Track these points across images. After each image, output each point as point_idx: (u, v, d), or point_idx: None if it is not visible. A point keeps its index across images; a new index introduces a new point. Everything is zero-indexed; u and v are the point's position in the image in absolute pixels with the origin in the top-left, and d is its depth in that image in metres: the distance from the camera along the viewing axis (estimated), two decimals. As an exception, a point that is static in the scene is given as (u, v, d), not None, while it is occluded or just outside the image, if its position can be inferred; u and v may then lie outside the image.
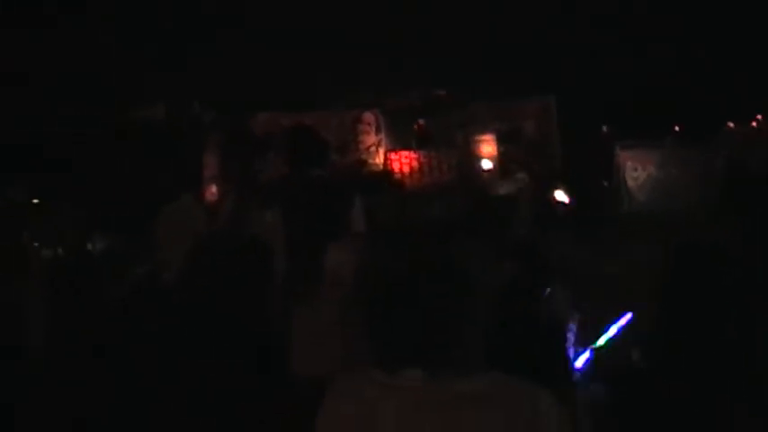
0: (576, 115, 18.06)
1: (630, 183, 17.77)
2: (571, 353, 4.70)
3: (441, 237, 2.46)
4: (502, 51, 16.50)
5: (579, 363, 4.74)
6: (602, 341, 4.89)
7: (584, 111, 18.40)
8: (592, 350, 4.86)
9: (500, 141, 18.16)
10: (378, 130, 18.37)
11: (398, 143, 18.59)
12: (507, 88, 17.53)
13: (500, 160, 18.01)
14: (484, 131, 18.18)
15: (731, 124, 20.82)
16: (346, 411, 2.35)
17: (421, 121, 18.54)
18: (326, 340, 4.05)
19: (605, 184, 17.69)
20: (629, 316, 4.87)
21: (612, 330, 4.91)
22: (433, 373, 2.27)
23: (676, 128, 20.42)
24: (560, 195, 14.01)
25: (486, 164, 17.59)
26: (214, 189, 5.38)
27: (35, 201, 12.41)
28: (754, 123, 21.71)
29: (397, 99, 18.18)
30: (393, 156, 18.39)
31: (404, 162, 18.34)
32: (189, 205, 5.48)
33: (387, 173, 17.85)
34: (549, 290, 4.67)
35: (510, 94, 17.93)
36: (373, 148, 18.43)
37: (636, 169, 17.79)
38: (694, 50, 18.49)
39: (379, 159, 18.39)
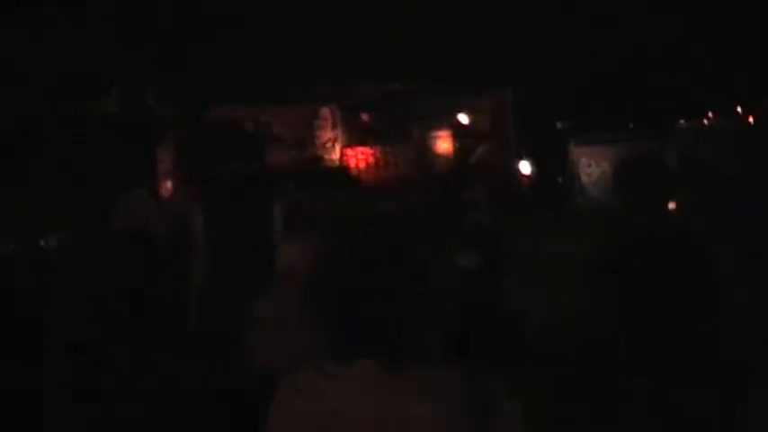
0: (530, 111, 18.19)
1: (584, 178, 17.93)
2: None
3: (394, 229, 2.47)
4: (458, 47, 16.53)
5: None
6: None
7: (539, 107, 18.53)
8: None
9: (455, 136, 18.22)
10: (334, 126, 18.36)
11: (355, 139, 18.59)
12: (463, 84, 17.58)
13: (456, 153, 18.09)
14: (440, 127, 18.24)
15: (683, 121, 21.08)
16: (299, 405, 2.36)
17: (365, 116, 18.52)
18: (282, 334, 4.05)
19: (559, 179, 17.84)
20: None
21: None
22: (386, 364, 2.29)
23: (630, 124, 20.63)
24: (524, 167, 14.09)
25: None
26: (169, 184, 5.36)
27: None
28: (705, 120, 22.00)
29: (353, 94, 18.17)
30: (349, 151, 18.38)
31: (360, 158, 18.34)
32: (143, 199, 5.45)
33: (343, 168, 17.85)
34: (510, 279, 4.72)
35: (466, 90, 17.99)
36: (330, 144, 18.40)
37: (590, 165, 17.96)
38: (649, 49, 18.68)
39: (336, 155, 18.38)
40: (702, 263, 4.19)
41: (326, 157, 18.21)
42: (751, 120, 22.70)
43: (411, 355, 2.31)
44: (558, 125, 20.12)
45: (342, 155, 18.36)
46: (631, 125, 20.46)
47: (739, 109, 22.94)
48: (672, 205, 4.42)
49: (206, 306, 4.95)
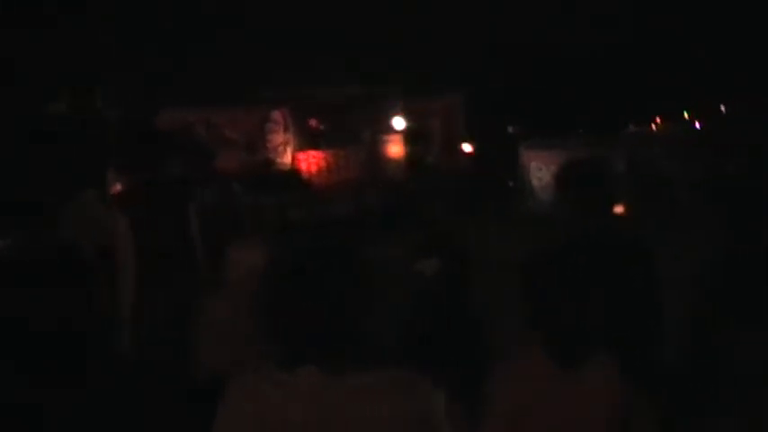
0: (482, 115, 18.29)
1: (535, 182, 18.05)
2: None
3: (337, 234, 2.49)
4: (410, 50, 16.59)
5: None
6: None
7: (491, 111, 18.64)
8: None
9: (407, 140, 18.27)
10: (286, 129, 18.30)
11: (307, 142, 18.55)
12: (415, 87, 17.63)
13: (407, 158, 18.15)
14: (391, 130, 18.27)
15: (632, 126, 21.34)
16: (246, 409, 2.36)
17: (313, 120, 18.50)
18: (231, 339, 4.04)
19: (510, 183, 17.95)
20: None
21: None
22: (329, 370, 2.29)
23: (580, 129, 20.83)
24: (466, 147, 14.12)
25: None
26: (119, 187, 5.31)
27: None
28: (653, 125, 22.29)
29: (305, 98, 18.13)
30: (301, 155, 18.34)
31: (311, 161, 18.31)
32: (93, 203, 5.39)
33: (295, 172, 17.80)
34: (464, 282, 4.74)
35: (418, 94, 18.05)
36: (281, 148, 18.34)
37: (540, 169, 18.08)
38: (599, 55, 18.87)
39: (288, 159, 18.33)
40: (646, 265, 4.24)
41: (278, 160, 18.14)
42: (697, 125, 23.06)
43: (354, 359, 2.32)
44: (510, 129, 20.26)
45: (293, 158, 18.31)
46: (581, 130, 20.67)
47: (686, 114, 23.29)
48: (618, 208, 4.46)
49: (149, 312, 4.90)
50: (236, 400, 2.39)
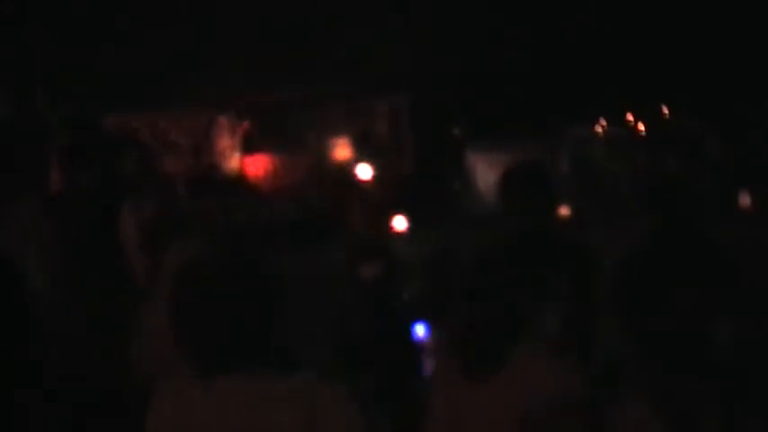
0: (427, 117, 18.34)
1: (480, 184, 18.16)
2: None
3: (260, 240, 2.48)
4: (355, 52, 16.58)
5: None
6: None
7: (436, 112, 18.69)
8: None
9: (352, 143, 18.27)
10: (232, 133, 18.21)
11: (253, 146, 18.48)
12: (359, 89, 17.63)
13: (354, 161, 18.14)
14: (337, 134, 18.26)
15: (576, 128, 21.55)
16: (167, 415, 2.35)
17: (245, 124, 18.44)
18: (159, 344, 4.01)
19: (456, 184, 18.04)
20: None
21: None
22: (245, 375, 2.28)
23: (525, 131, 20.96)
24: (362, 170, 14.12)
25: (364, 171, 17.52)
26: (58, 194, 5.23)
27: None
28: (597, 128, 22.53)
29: (251, 101, 18.06)
30: (247, 159, 18.27)
31: (258, 165, 18.25)
32: (33, 207, 5.31)
33: (240, 176, 17.73)
34: (405, 289, 4.76)
35: (363, 96, 18.05)
36: (227, 152, 18.26)
37: (486, 171, 18.20)
38: (543, 56, 19.02)
39: (233, 163, 18.24)
40: (588, 264, 4.29)
41: (224, 164, 18.05)
42: (641, 127, 23.36)
43: (270, 365, 2.31)
44: (455, 131, 20.33)
45: (239, 162, 18.23)
46: (526, 131, 20.80)
47: (629, 116, 23.57)
48: (562, 209, 4.51)
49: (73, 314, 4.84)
50: (160, 406, 2.38)
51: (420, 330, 4.68)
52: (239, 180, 17.26)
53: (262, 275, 2.36)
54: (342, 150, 18.24)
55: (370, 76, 17.04)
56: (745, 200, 12.29)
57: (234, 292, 2.31)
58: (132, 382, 3.91)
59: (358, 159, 18.14)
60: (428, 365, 4.63)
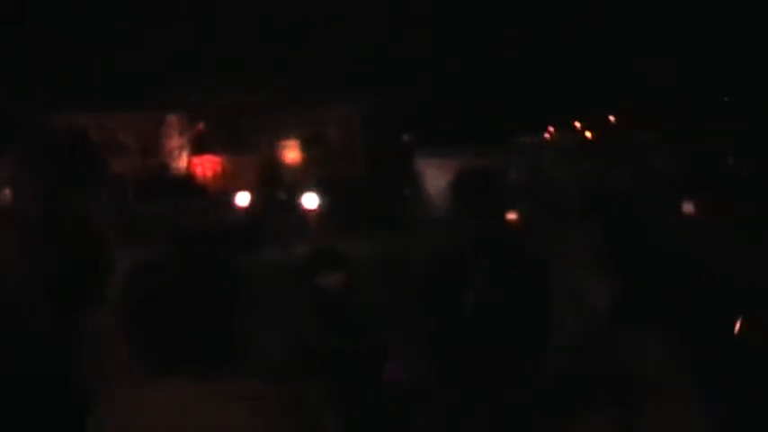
0: (379, 123, 18.40)
1: (430, 190, 18.23)
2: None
3: (217, 242, 2.49)
4: (309, 59, 16.58)
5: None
6: None
7: (387, 119, 18.75)
8: None
9: (303, 147, 18.28)
10: (181, 134, 18.12)
11: (202, 147, 18.40)
12: (313, 95, 17.64)
13: (303, 166, 18.16)
14: (288, 137, 18.25)
15: (526, 135, 21.75)
16: (116, 421, 2.34)
17: (200, 125, 18.36)
18: (107, 347, 3.97)
19: (406, 191, 18.08)
20: None
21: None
22: (198, 377, 2.28)
23: (476, 138, 21.09)
24: (309, 200, 14.13)
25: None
26: (7, 192, 5.17)
27: None
28: (546, 135, 22.77)
29: (202, 102, 17.98)
30: (196, 160, 18.17)
31: (207, 166, 18.16)
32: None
33: (189, 176, 17.63)
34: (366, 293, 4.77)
35: (315, 101, 18.06)
36: (176, 152, 18.16)
37: (436, 177, 18.29)
38: (494, 66, 19.17)
39: (182, 163, 18.14)
40: (537, 272, 4.35)
41: (173, 165, 17.94)
42: (588, 134, 23.64)
43: (222, 369, 2.30)
44: (406, 137, 20.42)
45: (189, 163, 18.14)
46: (476, 138, 20.94)
47: (577, 124, 23.85)
48: (512, 215, 4.56)
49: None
50: (110, 409, 2.37)
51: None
52: (188, 180, 17.16)
53: (214, 276, 2.34)
54: (292, 153, 18.24)
55: (323, 81, 17.06)
56: (688, 207, 12.51)
57: (186, 293, 2.28)
58: (81, 392, 3.88)
59: (309, 163, 18.15)
60: (385, 369, 4.66)
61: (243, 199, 16.18)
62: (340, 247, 5.96)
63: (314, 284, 4.83)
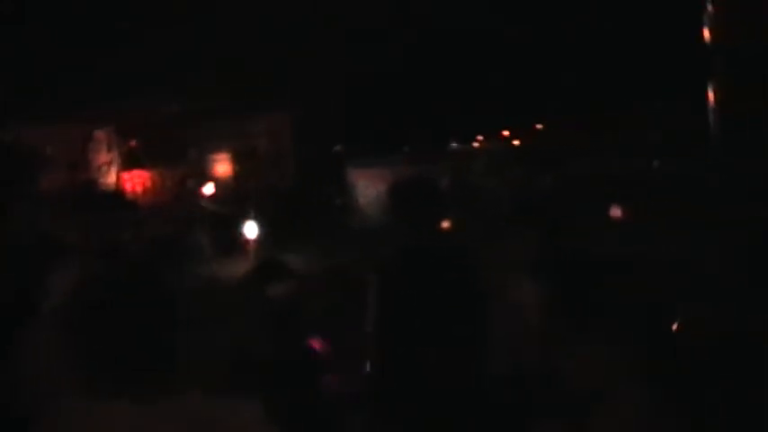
0: (309, 133, 18.41)
1: (361, 200, 18.30)
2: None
3: (154, 257, 2.47)
4: (238, 69, 16.53)
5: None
6: None
7: (318, 130, 18.78)
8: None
9: (234, 160, 18.21)
10: (110, 149, 17.92)
11: (131, 162, 18.21)
12: (243, 107, 17.59)
13: (234, 178, 18.08)
14: (218, 150, 18.16)
15: (455, 144, 21.96)
16: None
17: (132, 142, 18.21)
18: (47, 369, 3.93)
19: (337, 201, 18.13)
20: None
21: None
22: (139, 394, 2.25)
23: (406, 147, 21.24)
24: (249, 229, 14.13)
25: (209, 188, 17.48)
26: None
27: None
28: (475, 144, 23.00)
29: (131, 117, 17.79)
30: (126, 175, 17.98)
31: (136, 181, 17.98)
32: None
33: (118, 192, 17.44)
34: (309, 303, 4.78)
35: (245, 113, 18.01)
36: (105, 167, 17.94)
37: (367, 187, 18.36)
38: (422, 75, 19.32)
39: (111, 178, 17.93)
40: (471, 278, 4.40)
41: (101, 180, 17.72)
42: (516, 142, 23.94)
43: (170, 384, 2.28)
44: (337, 148, 20.48)
45: (118, 178, 17.94)
46: (407, 147, 21.09)
47: (506, 132, 24.14)
48: (446, 223, 4.62)
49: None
50: (48, 430, 2.34)
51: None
52: (118, 195, 16.97)
53: (149, 290, 2.33)
54: (223, 166, 18.16)
55: (253, 93, 17.01)
56: (616, 212, 12.73)
57: (122, 308, 2.27)
58: (17, 412, 3.83)
59: (240, 175, 18.09)
60: (329, 383, 4.68)
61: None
62: (278, 258, 5.97)
63: (262, 295, 4.83)
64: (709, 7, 15.34)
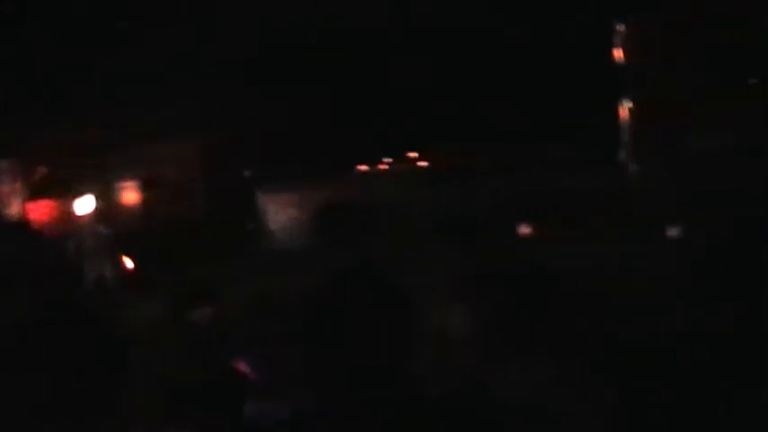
0: (218, 159, 18.36)
1: (272, 224, 18.29)
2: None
3: (66, 285, 2.42)
4: (145, 95, 16.40)
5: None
6: None
7: (227, 155, 18.73)
8: None
9: (141, 187, 18.02)
10: (14, 179, 17.57)
11: (37, 192, 17.87)
12: (152, 133, 17.43)
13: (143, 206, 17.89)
14: (126, 177, 17.95)
15: (362, 166, 22.06)
16: None
17: (42, 169, 17.92)
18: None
19: (250, 226, 18.09)
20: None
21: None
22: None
23: (315, 170, 21.24)
24: (127, 262, 14.09)
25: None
26: None
27: None
28: (382, 165, 23.14)
29: (35, 146, 17.48)
30: (31, 205, 17.64)
31: (42, 211, 17.65)
32: None
33: (24, 222, 17.10)
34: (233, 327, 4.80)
35: (154, 139, 17.84)
36: (8, 198, 17.57)
37: (277, 212, 18.37)
38: (328, 97, 19.41)
39: (16, 209, 17.57)
40: (396, 301, 4.47)
41: (5, 211, 17.35)
42: (424, 164, 24.15)
43: (96, 417, 2.24)
44: (246, 173, 20.41)
45: (22, 209, 17.58)
46: (317, 171, 21.10)
47: (413, 154, 24.34)
48: (372, 244, 4.71)
49: None
50: None
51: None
52: (23, 226, 16.64)
53: (57, 319, 2.28)
54: (131, 194, 17.95)
55: (161, 120, 16.89)
56: (525, 230, 13.01)
57: (50, 351, 2.22)
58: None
59: (148, 203, 17.91)
60: (256, 408, 4.69)
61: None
62: (199, 284, 5.96)
63: (185, 320, 4.83)
64: (620, 27, 15.82)
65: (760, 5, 14.26)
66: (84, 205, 17.75)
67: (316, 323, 4.10)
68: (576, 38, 16.66)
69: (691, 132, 14.58)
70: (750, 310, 3.40)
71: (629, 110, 15.56)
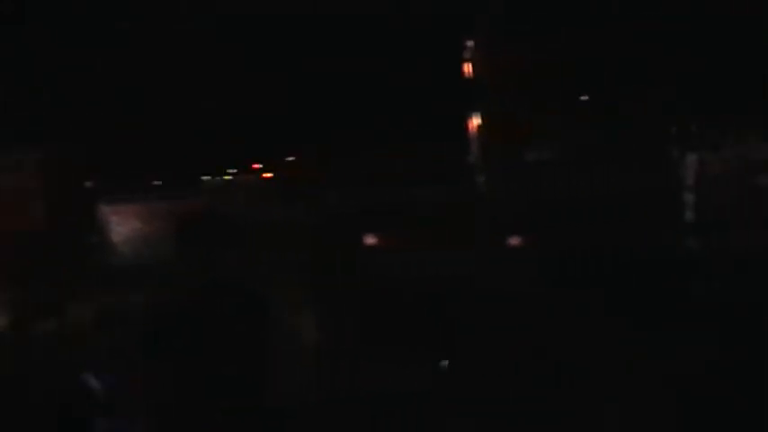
0: (58, 170, 17.94)
1: (115, 237, 18.01)
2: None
3: None
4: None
5: None
6: None
7: (67, 166, 18.33)
8: None
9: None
10: None
11: None
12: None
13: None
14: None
15: (207, 177, 21.93)
16: None
17: None
18: None
19: (93, 239, 17.77)
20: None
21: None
22: None
23: (157, 182, 20.98)
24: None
25: None
26: None
27: None
28: (228, 176, 23.07)
29: None
30: None
31: None
32: None
33: None
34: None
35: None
36: None
37: (120, 224, 18.10)
38: (169, 111, 19.27)
39: None
40: (256, 309, 4.61)
41: None
42: (269, 175, 24.20)
43: None
44: (88, 184, 20.01)
45: None
46: (160, 183, 20.84)
47: (257, 165, 24.36)
48: (234, 255, 4.83)
49: None
50: None
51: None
52: None
53: None
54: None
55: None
56: (371, 239, 13.25)
57: None
58: None
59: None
60: (106, 424, 4.71)
61: None
62: (44, 296, 5.91)
63: (28, 335, 4.80)
64: (470, 42, 16.29)
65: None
66: None
67: (168, 335, 4.17)
68: (426, 53, 17.03)
69: (526, 145, 15.17)
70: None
71: (477, 124, 16.05)
